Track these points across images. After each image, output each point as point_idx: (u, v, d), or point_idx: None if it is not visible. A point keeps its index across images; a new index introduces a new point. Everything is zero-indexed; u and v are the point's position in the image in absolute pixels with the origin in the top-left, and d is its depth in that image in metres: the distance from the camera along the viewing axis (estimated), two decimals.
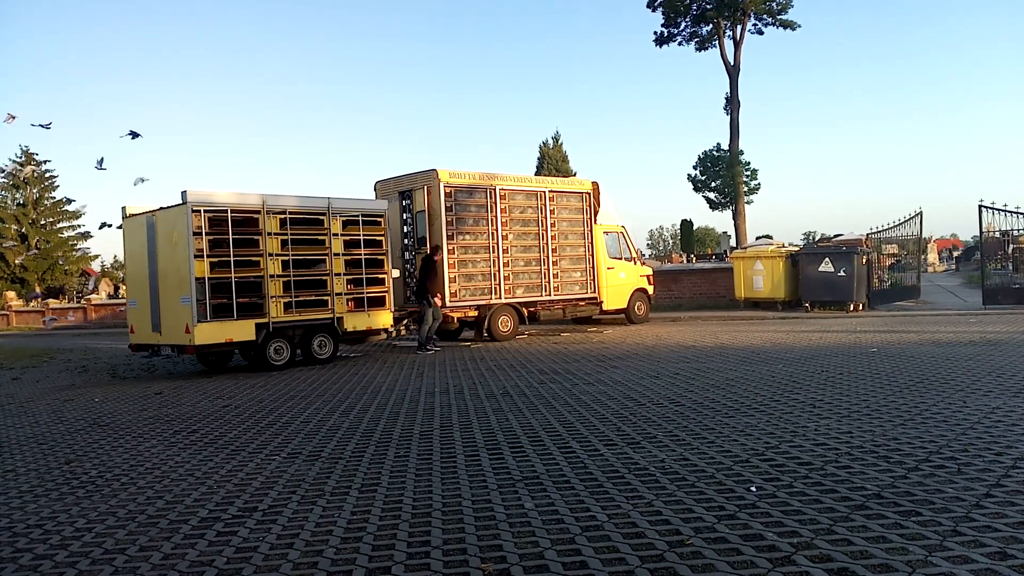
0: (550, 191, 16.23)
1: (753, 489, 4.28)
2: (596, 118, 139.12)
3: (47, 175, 49.75)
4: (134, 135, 16.25)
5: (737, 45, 37.87)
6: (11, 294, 41.01)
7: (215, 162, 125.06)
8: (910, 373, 8.34)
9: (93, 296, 37.79)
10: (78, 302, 37.63)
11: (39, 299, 40.11)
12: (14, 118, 17.68)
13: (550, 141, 47.35)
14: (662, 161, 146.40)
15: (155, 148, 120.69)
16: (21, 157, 48.68)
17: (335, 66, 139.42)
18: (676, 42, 39.88)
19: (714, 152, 38.23)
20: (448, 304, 14.38)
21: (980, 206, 18.21)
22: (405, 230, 15.14)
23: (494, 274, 15.08)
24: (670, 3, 37.89)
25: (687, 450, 5.28)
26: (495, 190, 15.10)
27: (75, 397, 9.93)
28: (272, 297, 11.77)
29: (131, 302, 12.86)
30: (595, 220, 16.91)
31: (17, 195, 49.27)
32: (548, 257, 15.92)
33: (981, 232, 19.50)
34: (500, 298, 15.16)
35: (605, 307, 17.21)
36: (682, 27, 39.19)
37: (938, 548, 3.29)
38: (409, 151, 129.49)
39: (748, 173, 37.72)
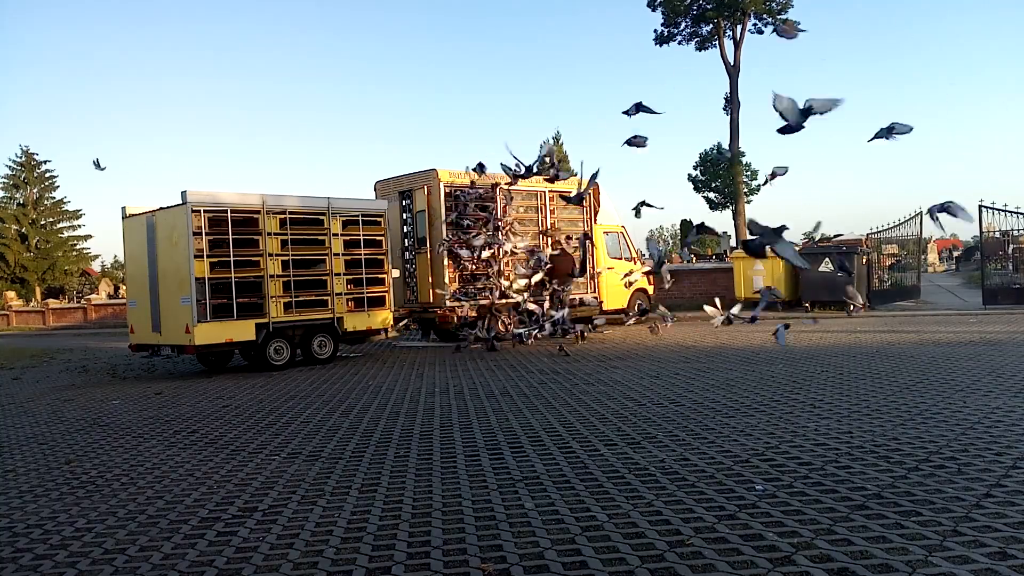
0: (550, 191, 16.21)
1: (759, 488, 4.28)
2: (596, 118, 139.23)
3: (47, 175, 49.75)
4: (98, 165, 16.52)
5: (737, 45, 37.85)
6: (11, 294, 41.01)
7: (215, 162, 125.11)
8: (910, 373, 8.34)
9: (93, 296, 37.81)
10: (78, 302, 37.66)
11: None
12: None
13: (551, 140, 47.33)
14: (662, 161, 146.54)
15: (155, 148, 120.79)
16: (21, 157, 48.73)
17: (335, 66, 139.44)
18: (676, 42, 39.83)
19: (714, 152, 38.27)
20: (448, 304, 14.37)
21: (980, 206, 18.20)
22: (405, 230, 15.12)
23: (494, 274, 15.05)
24: (670, 3, 37.87)
25: (687, 450, 5.28)
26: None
27: (75, 397, 9.93)
28: (272, 297, 11.77)
29: (131, 302, 12.86)
30: (595, 220, 16.90)
31: (17, 195, 49.27)
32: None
33: (981, 232, 19.50)
34: (500, 298, 15.13)
35: (605, 307, 17.19)
36: (682, 27, 39.16)
37: (938, 548, 3.29)
38: (409, 151, 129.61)
39: (748, 173, 37.74)
